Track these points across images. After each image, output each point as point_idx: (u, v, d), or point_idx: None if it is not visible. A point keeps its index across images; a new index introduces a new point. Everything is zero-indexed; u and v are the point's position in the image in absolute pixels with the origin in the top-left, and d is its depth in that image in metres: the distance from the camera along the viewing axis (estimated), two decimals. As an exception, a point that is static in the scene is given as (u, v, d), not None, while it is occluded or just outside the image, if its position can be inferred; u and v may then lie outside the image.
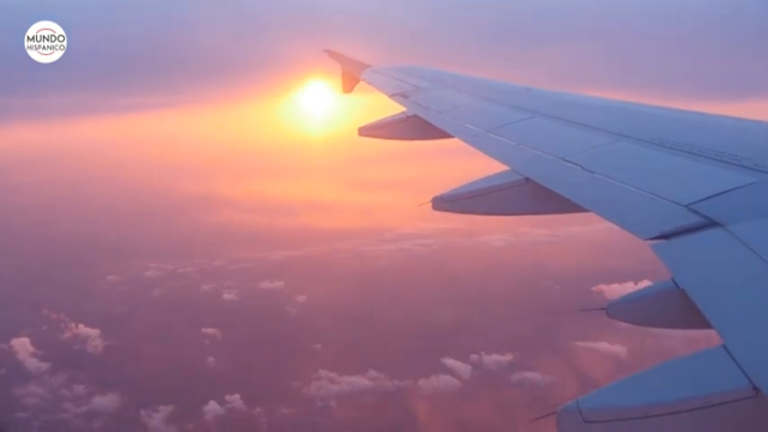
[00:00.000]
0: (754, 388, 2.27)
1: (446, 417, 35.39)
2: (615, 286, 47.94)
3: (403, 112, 8.19)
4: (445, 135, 7.02)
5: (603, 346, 41.06)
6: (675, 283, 3.10)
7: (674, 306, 3.10)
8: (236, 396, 36.71)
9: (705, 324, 2.66)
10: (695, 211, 3.48)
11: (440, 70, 10.64)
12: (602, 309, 3.56)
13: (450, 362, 39.82)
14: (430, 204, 5.28)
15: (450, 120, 7.30)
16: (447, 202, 5.22)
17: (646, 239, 3.42)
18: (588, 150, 5.00)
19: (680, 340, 37.85)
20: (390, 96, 9.25)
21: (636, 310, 3.47)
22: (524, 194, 4.90)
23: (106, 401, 37.21)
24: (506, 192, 4.97)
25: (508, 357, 40.28)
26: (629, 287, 47.17)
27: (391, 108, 8.65)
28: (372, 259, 57.57)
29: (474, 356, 40.47)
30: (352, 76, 12.73)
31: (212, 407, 36.03)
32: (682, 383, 2.50)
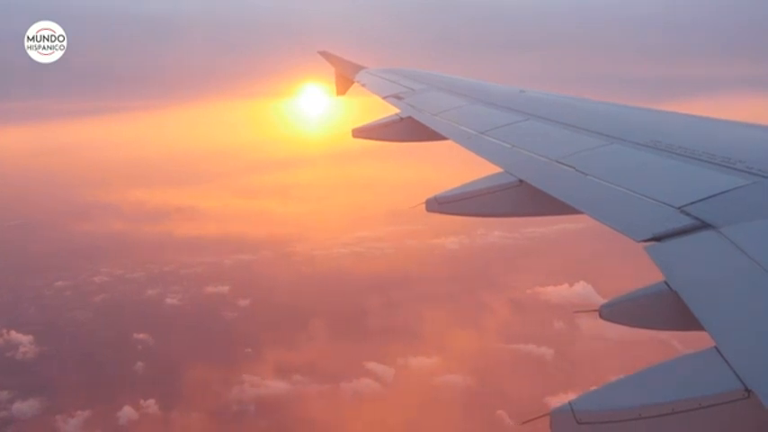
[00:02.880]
0: (746, 389, 2.27)
1: (351, 419, 35.85)
2: (550, 288, 48.47)
3: (397, 114, 8.18)
4: (439, 137, 7.02)
5: (531, 348, 41.48)
6: (668, 285, 3.11)
7: (666, 308, 3.11)
8: (152, 401, 37.09)
9: (697, 326, 2.67)
10: (688, 214, 3.49)
11: (434, 72, 10.66)
12: (595, 310, 3.57)
13: (373, 365, 40.19)
14: (421, 205, 5.28)
15: (444, 121, 7.30)
16: (440, 204, 5.22)
17: (639, 241, 3.43)
18: (582, 152, 5.01)
19: (617, 343, 38.77)
20: (384, 98, 9.24)
21: (628, 312, 3.47)
22: (518, 196, 4.90)
23: (26, 407, 37.31)
24: (500, 194, 4.97)
25: (434, 360, 40.57)
26: (563, 289, 47.76)
27: (385, 110, 8.65)
28: (324, 262, 57.41)
29: (400, 360, 40.82)
30: (345, 78, 12.74)
31: (126, 412, 36.43)
32: (674, 385, 2.50)
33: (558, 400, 35.69)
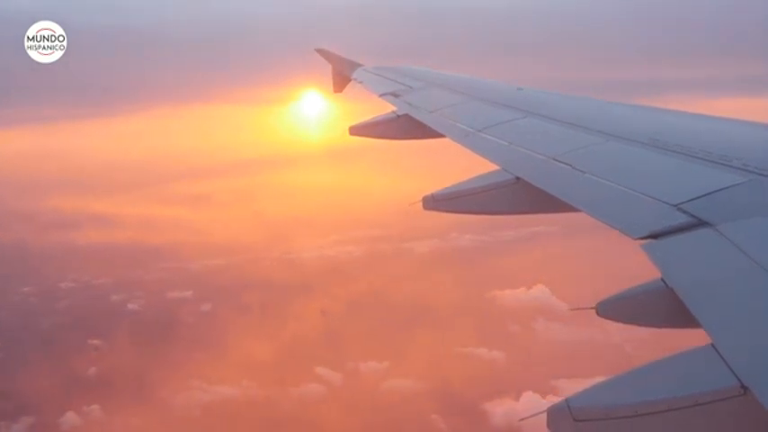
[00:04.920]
0: (743, 386, 2.28)
1: (290, 424, 36.02)
2: (508, 292, 48.52)
3: (393, 112, 8.18)
4: (436, 134, 7.03)
5: (482, 352, 41.48)
6: (665, 282, 3.11)
7: (663, 305, 3.12)
8: (96, 407, 37.22)
9: (694, 323, 2.67)
10: (684, 211, 3.49)
11: (431, 70, 10.65)
12: (593, 308, 3.57)
13: (322, 370, 40.23)
14: (418, 203, 5.29)
15: (441, 119, 7.30)
16: (437, 202, 5.23)
17: (636, 239, 3.44)
18: (579, 150, 5.01)
19: (571, 346, 39.18)
20: (381, 96, 9.24)
21: (625, 310, 3.48)
22: (515, 194, 4.91)
23: (-30, 413, 37.11)
24: (497, 191, 4.98)
25: (385, 365, 40.55)
26: (520, 293, 47.83)
27: (382, 107, 8.64)
28: (292, 267, 56.72)
29: (350, 364, 40.81)
30: (343, 76, 12.71)
31: (70, 417, 36.59)
32: (671, 382, 2.51)
33: (494, 405, 36.27)
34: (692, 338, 2.71)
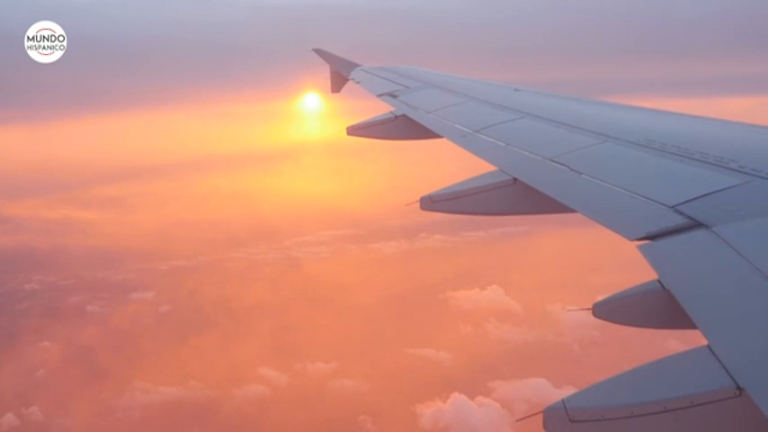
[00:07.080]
0: (738, 388, 2.28)
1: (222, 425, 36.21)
2: (461, 292, 48.32)
3: (391, 112, 8.19)
4: (433, 135, 7.04)
5: (429, 352, 41.35)
6: (661, 283, 3.12)
7: (659, 306, 3.12)
8: (35, 408, 37.25)
9: (690, 324, 2.68)
10: (681, 213, 3.50)
11: (429, 70, 10.66)
12: (589, 309, 3.58)
13: (266, 370, 40.22)
14: (414, 204, 5.31)
15: (439, 120, 7.31)
16: (435, 202, 5.25)
17: (632, 240, 3.44)
18: (576, 151, 5.02)
19: (518, 347, 39.37)
20: (379, 96, 9.25)
21: (621, 311, 3.49)
22: (512, 195, 4.92)
23: None
24: (494, 192, 4.99)
25: (332, 366, 40.51)
26: (473, 294, 47.87)
27: (380, 108, 8.65)
28: (256, 267, 56.28)
29: (298, 365, 40.81)
30: (340, 76, 12.73)
31: (8, 419, 36.74)
32: (667, 383, 2.51)
33: (425, 407, 36.05)
34: (688, 339, 2.71)
